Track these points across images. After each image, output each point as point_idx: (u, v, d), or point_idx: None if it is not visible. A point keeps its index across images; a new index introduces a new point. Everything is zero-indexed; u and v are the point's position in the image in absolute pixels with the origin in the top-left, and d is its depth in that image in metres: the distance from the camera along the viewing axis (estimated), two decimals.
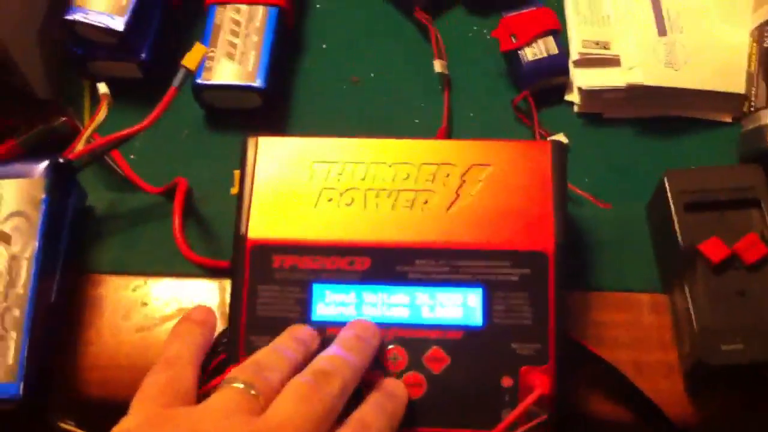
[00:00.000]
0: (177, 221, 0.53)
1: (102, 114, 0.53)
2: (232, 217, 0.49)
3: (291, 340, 0.45)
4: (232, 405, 0.39)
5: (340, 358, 0.43)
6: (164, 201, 0.55)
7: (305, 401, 0.40)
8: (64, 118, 0.58)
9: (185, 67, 0.52)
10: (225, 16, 0.61)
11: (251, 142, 0.51)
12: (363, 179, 0.49)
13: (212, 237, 0.55)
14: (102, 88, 0.53)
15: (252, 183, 0.50)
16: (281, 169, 0.50)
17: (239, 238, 0.48)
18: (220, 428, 0.38)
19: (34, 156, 0.56)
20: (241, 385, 0.40)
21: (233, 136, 0.54)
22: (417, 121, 0.61)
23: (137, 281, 0.53)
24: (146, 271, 0.53)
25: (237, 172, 0.51)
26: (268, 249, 0.48)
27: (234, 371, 0.41)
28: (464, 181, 0.49)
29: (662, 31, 0.60)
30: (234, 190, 0.51)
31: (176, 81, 0.52)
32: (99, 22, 0.58)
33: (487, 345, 0.46)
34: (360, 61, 0.64)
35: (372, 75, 0.63)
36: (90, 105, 0.61)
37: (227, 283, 0.51)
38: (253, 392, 0.40)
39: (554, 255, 0.47)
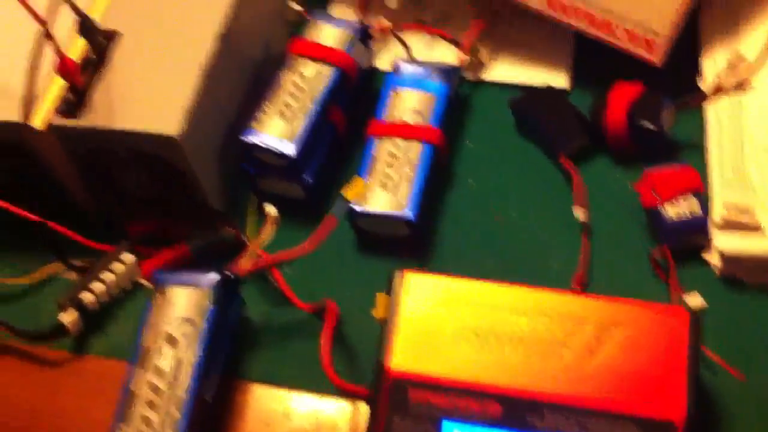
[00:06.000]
0: (325, 346, 0.57)
1: (269, 234, 0.58)
2: (370, 338, 0.53)
3: None
4: None
5: None
6: (312, 318, 0.59)
7: None
8: (231, 230, 0.64)
9: (345, 198, 0.57)
10: (383, 149, 0.66)
11: (398, 275, 0.55)
12: (501, 324, 0.52)
13: (350, 357, 0.58)
14: (272, 211, 0.57)
15: (397, 315, 0.53)
16: (425, 305, 0.53)
17: (381, 369, 0.52)
18: None
19: (201, 259, 0.62)
20: None
21: (380, 262, 0.58)
22: (554, 265, 0.64)
23: (281, 393, 0.57)
24: (291, 385, 0.57)
25: (380, 295, 0.55)
26: (407, 382, 0.51)
27: None
28: (598, 340, 0.51)
29: None
30: (375, 312, 0.55)
31: (337, 212, 0.57)
32: (273, 147, 0.64)
33: None
34: (504, 200, 0.67)
35: (513, 215, 0.66)
36: (255, 218, 0.66)
37: (360, 404, 0.55)
38: None
39: (683, 426, 0.48)
